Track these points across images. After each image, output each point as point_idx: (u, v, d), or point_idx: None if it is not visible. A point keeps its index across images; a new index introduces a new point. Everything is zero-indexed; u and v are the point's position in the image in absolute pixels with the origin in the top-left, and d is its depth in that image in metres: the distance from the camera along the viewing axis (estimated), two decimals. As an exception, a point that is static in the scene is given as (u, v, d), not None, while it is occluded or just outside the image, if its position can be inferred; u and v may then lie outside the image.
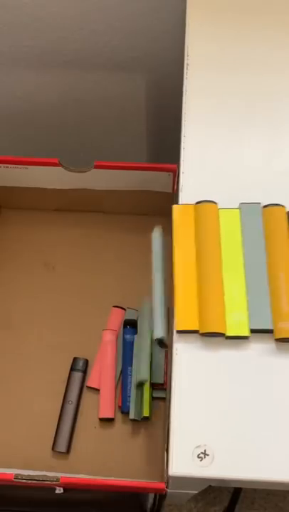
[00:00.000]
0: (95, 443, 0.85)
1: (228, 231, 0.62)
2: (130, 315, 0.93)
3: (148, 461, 0.84)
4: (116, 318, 0.93)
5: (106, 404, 0.86)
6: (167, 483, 0.62)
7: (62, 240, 0.99)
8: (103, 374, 0.88)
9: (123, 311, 0.93)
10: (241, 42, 0.75)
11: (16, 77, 1.02)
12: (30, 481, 0.68)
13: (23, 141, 1.17)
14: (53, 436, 0.85)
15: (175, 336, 0.59)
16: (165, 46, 0.95)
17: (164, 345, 0.69)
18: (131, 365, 0.88)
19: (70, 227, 0.99)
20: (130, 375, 0.88)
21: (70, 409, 0.87)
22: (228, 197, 0.66)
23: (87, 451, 0.85)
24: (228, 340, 0.59)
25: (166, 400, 0.84)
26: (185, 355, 0.58)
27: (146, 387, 0.85)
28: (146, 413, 0.84)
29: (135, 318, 0.92)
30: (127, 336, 0.91)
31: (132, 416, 0.84)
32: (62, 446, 0.84)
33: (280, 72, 0.74)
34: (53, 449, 0.85)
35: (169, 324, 0.65)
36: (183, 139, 0.70)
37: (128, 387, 0.87)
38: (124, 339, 0.91)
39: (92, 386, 0.88)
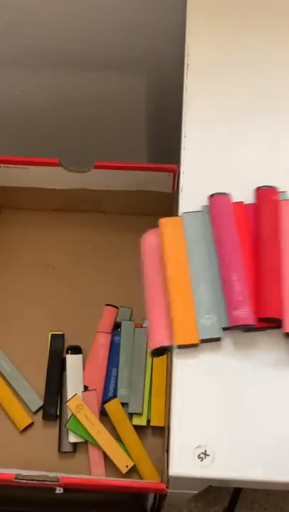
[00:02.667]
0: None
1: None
2: (124, 313, 0.93)
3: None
4: (109, 318, 0.93)
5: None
6: (167, 483, 0.62)
7: (62, 240, 0.99)
8: (91, 376, 0.88)
9: (116, 309, 0.93)
10: (241, 41, 0.75)
11: (16, 77, 1.02)
12: (30, 481, 0.68)
13: (23, 141, 1.16)
14: (52, 436, 0.85)
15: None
16: (165, 46, 0.95)
17: None
18: (116, 367, 0.88)
19: (70, 227, 0.99)
20: (114, 376, 0.88)
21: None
22: (228, 197, 0.66)
23: (87, 451, 0.85)
24: (228, 341, 0.59)
25: (166, 401, 0.84)
26: (185, 356, 0.58)
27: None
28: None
29: (128, 318, 0.92)
30: (116, 338, 0.90)
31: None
32: (68, 447, 0.84)
33: (280, 71, 0.74)
34: (59, 450, 0.84)
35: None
36: (183, 139, 0.70)
37: (109, 389, 0.87)
38: (112, 341, 0.91)
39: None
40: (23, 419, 0.86)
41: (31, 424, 0.87)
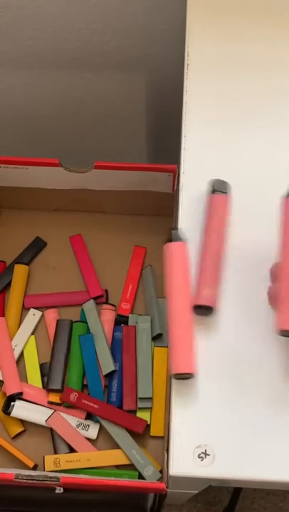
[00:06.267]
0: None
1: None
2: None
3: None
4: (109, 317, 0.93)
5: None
6: (167, 483, 0.63)
7: (62, 240, 0.99)
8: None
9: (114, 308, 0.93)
10: (241, 42, 0.75)
11: (16, 77, 1.02)
12: (30, 481, 0.68)
13: (23, 141, 1.17)
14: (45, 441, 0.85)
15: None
16: (165, 46, 0.95)
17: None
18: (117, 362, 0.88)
19: (70, 227, 0.99)
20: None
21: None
22: (228, 197, 0.66)
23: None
24: (227, 341, 0.59)
25: (166, 400, 0.84)
26: (185, 355, 0.58)
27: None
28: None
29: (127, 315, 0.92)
30: (116, 334, 0.90)
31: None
32: (64, 448, 0.84)
33: (280, 71, 0.74)
34: (55, 453, 0.84)
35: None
36: (183, 139, 0.70)
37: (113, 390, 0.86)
38: (112, 338, 0.90)
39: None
40: (16, 426, 0.85)
41: (23, 432, 0.86)
